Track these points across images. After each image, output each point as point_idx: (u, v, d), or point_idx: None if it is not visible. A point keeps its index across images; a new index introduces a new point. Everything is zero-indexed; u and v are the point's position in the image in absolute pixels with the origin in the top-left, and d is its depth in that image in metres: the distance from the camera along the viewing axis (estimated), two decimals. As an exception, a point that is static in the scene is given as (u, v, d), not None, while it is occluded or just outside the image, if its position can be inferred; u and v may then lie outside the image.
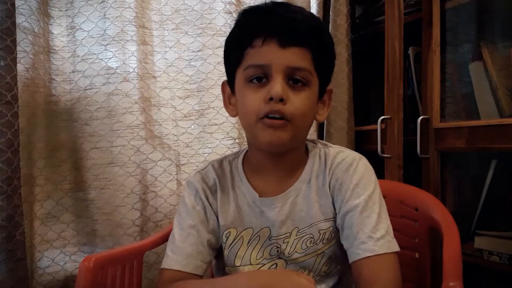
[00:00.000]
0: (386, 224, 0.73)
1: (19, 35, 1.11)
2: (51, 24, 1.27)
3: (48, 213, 1.24)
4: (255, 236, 0.78)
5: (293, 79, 0.71)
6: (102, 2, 1.26)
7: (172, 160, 1.34)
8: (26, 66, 1.16)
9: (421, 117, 1.22)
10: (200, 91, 1.36)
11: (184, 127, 1.36)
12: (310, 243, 0.76)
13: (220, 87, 0.82)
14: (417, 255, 0.93)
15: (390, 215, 0.99)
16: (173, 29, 1.35)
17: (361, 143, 1.48)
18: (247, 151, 0.84)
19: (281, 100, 0.69)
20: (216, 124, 1.36)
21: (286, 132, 0.71)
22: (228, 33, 0.79)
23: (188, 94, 1.36)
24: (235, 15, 1.36)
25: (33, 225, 1.21)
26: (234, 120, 1.36)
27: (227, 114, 1.34)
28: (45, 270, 1.23)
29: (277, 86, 0.69)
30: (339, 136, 1.45)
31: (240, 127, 1.37)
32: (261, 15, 0.72)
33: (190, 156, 1.36)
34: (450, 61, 1.26)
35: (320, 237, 0.76)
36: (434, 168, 1.21)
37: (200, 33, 1.35)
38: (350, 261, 0.72)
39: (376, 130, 1.30)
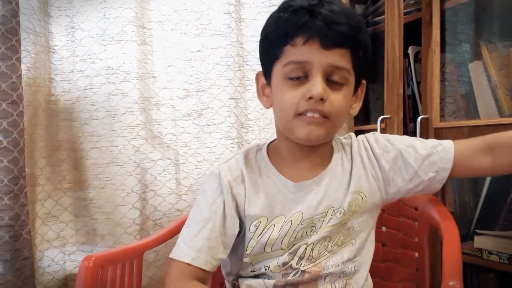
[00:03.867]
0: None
1: (21, 35, 1.10)
2: (50, 24, 1.27)
3: (48, 212, 1.24)
4: (287, 222, 0.77)
5: (332, 78, 0.73)
6: (102, 2, 1.26)
7: (171, 159, 1.34)
8: (28, 65, 1.16)
9: (420, 117, 1.22)
10: (199, 91, 1.36)
11: (183, 127, 1.36)
12: (339, 214, 0.77)
13: (255, 77, 0.82)
14: (417, 254, 0.93)
15: (389, 214, 1.00)
16: (172, 29, 1.35)
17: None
18: (270, 143, 0.84)
19: (321, 99, 0.71)
20: (215, 124, 1.36)
21: (323, 128, 0.73)
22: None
23: (187, 94, 1.36)
24: (234, 16, 1.36)
25: (34, 224, 1.20)
26: (233, 120, 1.36)
27: (225, 114, 1.36)
28: (45, 270, 1.23)
29: (318, 85, 0.70)
30: (338, 135, 1.44)
31: (239, 126, 1.37)
32: (305, 14, 0.71)
33: (189, 156, 1.36)
34: (449, 60, 1.26)
35: (349, 208, 0.78)
36: (434, 168, 1.21)
37: (199, 34, 1.35)
38: (449, 166, 0.78)
39: (376, 129, 1.30)
